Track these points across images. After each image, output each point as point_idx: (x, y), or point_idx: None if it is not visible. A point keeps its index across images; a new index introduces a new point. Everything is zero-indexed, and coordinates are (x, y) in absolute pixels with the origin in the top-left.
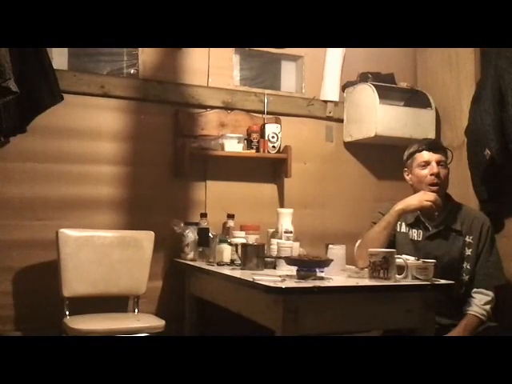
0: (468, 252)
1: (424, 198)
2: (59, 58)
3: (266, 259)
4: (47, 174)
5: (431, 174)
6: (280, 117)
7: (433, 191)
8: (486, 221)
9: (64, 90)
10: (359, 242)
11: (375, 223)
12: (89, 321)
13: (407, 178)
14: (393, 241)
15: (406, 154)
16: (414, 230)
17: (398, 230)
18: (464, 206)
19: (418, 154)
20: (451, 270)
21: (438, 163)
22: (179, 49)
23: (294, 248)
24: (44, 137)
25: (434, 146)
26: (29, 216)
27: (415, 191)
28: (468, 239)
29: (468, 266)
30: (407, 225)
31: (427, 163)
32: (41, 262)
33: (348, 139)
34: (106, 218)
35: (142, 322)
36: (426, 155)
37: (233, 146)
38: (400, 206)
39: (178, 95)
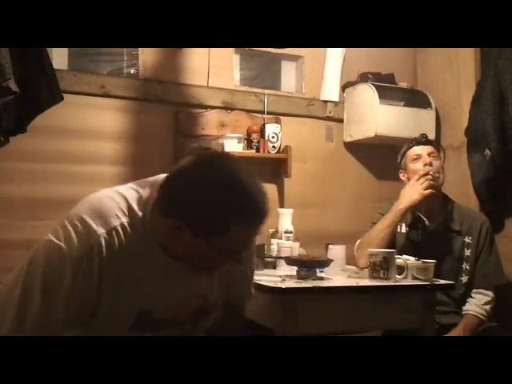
0: (467, 252)
1: (419, 187)
2: (59, 58)
3: (266, 259)
4: (47, 173)
5: (424, 165)
6: (280, 117)
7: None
8: (485, 221)
9: (64, 89)
10: (359, 241)
11: (376, 223)
12: None
13: (403, 178)
14: (392, 241)
15: (399, 155)
16: (413, 231)
17: (398, 230)
18: (463, 206)
19: (409, 151)
20: (451, 271)
21: (429, 155)
22: (179, 49)
23: (294, 248)
24: (44, 137)
25: (423, 140)
26: (29, 216)
27: None
28: (467, 240)
29: (467, 267)
30: (407, 225)
31: (419, 156)
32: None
33: (348, 139)
34: None
35: None
36: (416, 149)
37: (233, 146)
38: (404, 204)
39: (178, 95)
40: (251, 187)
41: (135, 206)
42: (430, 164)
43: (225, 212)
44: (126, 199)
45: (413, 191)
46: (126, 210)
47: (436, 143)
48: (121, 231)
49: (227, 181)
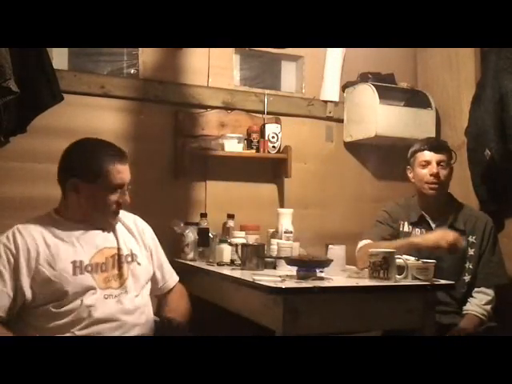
0: (471, 252)
1: (444, 237)
2: (59, 58)
3: (266, 259)
4: (47, 173)
5: (430, 175)
6: (280, 117)
7: (431, 189)
8: (488, 221)
9: (64, 90)
10: (361, 245)
11: (380, 222)
12: None
13: (410, 175)
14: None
15: (410, 152)
16: (417, 229)
17: (401, 229)
18: (467, 205)
19: (419, 153)
20: (453, 270)
21: (439, 163)
22: (179, 49)
23: (294, 248)
24: (44, 137)
25: (435, 146)
26: (29, 216)
27: (417, 190)
28: (471, 239)
29: (470, 266)
30: (410, 224)
31: (428, 163)
32: None
33: (348, 139)
34: None
35: None
36: (427, 155)
37: (233, 146)
38: (417, 239)
39: (178, 95)
40: (107, 145)
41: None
42: (437, 175)
43: (94, 161)
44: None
45: (435, 234)
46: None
47: (448, 148)
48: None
49: (90, 146)
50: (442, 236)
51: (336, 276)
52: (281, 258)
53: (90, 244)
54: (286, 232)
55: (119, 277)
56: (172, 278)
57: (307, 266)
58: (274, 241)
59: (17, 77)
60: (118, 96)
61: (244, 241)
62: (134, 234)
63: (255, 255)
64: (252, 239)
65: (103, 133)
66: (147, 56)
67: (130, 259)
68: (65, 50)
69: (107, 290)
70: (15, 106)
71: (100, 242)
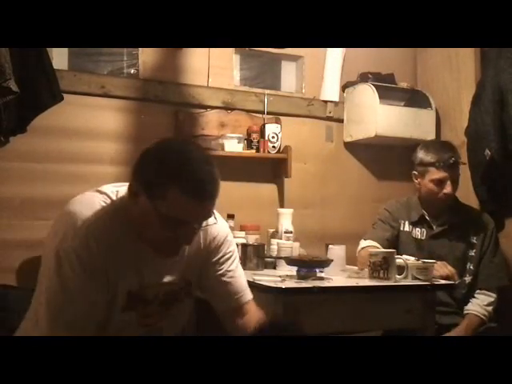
0: (472, 253)
1: (439, 269)
2: (59, 57)
3: (266, 259)
4: (47, 174)
5: (445, 194)
6: (280, 117)
7: (442, 204)
8: (490, 222)
9: (64, 89)
10: (364, 244)
11: (382, 221)
12: None
13: (415, 181)
14: (396, 240)
15: (421, 158)
16: (417, 229)
17: (402, 228)
18: (469, 206)
19: (432, 169)
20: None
21: (453, 181)
22: (179, 49)
23: (294, 248)
24: (44, 137)
25: (450, 163)
26: (29, 216)
27: (421, 195)
28: (472, 240)
29: (471, 267)
30: (411, 223)
31: (441, 182)
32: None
33: (348, 139)
34: None
35: None
36: (442, 174)
37: (233, 146)
38: None
39: (178, 95)
40: (198, 167)
41: (114, 198)
42: (449, 195)
43: (164, 177)
44: (106, 194)
45: (438, 270)
46: (106, 204)
47: (459, 158)
48: (102, 227)
49: (174, 155)
50: (437, 268)
51: (336, 276)
52: (281, 258)
53: (147, 272)
54: (286, 232)
55: (159, 315)
56: (242, 297)
57: (307, 266)
58: (274, 241)
59: (17, 77)
60: (118, 96)
61: (244, 241)
62: (202, 253)
63: (255, 255)
64: (252, 239)
65: (103, 133)
66: (147, 56)
67: (183, 294)
68: (65, 50)
69: (140, 328)
70: (15, 106)
71: (155, 271)
